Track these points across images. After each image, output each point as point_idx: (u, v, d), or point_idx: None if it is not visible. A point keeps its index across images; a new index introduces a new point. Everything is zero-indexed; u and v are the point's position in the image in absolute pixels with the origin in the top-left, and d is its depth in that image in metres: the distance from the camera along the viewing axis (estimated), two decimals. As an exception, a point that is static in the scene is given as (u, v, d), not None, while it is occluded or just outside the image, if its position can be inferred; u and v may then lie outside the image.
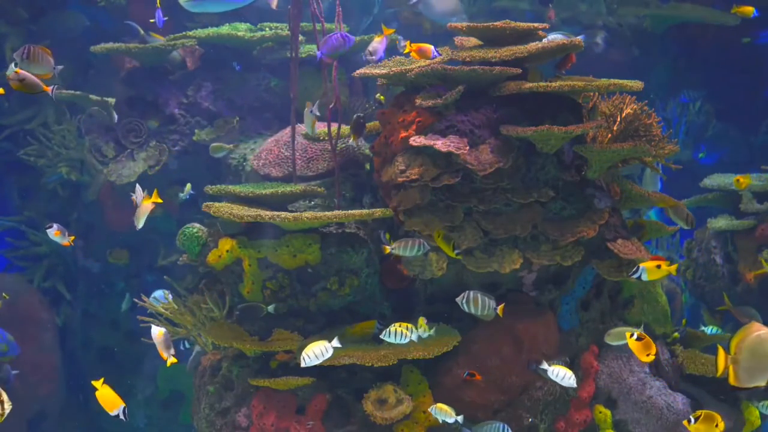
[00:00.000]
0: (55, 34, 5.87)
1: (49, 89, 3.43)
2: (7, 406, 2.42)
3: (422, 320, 3.68)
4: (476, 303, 3.62)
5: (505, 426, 3.61)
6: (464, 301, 3.63)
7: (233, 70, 5.52)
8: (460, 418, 3.58)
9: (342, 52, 3.95)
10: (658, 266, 3.64)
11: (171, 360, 3.68)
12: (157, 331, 3.71)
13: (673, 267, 3.65)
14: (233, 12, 6.10)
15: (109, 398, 3.51)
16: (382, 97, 4.56)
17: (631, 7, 6.53)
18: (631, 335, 3.49)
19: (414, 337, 3.60)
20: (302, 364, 3.48)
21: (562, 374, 3.59)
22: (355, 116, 4.14)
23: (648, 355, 3.49)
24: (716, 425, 3.37)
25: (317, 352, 3.44)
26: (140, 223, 4.05)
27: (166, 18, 4.98)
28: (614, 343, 3.85)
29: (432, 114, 3.89)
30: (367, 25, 6.31)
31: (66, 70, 5.94)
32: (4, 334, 4.66)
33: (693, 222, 4.39)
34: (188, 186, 5.17)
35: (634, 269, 3.67)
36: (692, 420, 3.39)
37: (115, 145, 5.50)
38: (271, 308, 4.03)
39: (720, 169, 5.84)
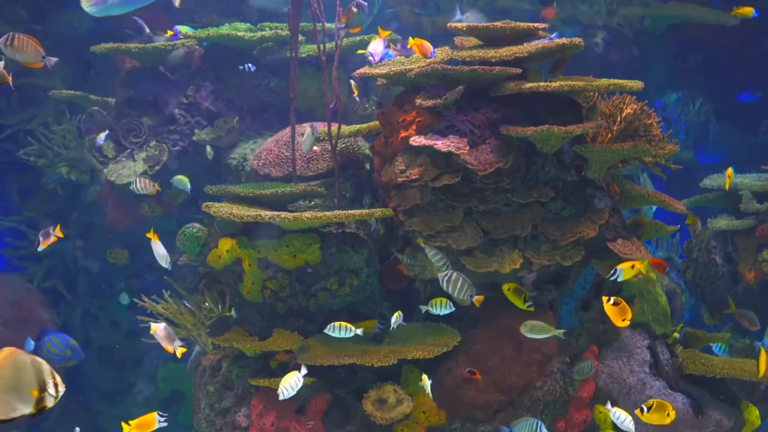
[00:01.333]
0: (61, 34, 5.87)
1: (10, 79, 3.37)
2: (61, 389, 2.41)
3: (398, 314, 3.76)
4: (455, 285, 3.59)
5: (539, 422, 3.62)
6: (445, 278, 3.60)
7: (233, 70, 5.52)
8: (426, 384, 3.61)
9: (362, 22, 3.93)
10: (633, 266, 3.63)
11: (180, 350, 3.66)
12: (154, 328, 3.70)
13: (644, 265, 3.63)
14: (233, 12, 6.11)
15: (142, 424, 3.49)
16: (374, 97, 4.58)
17: (631, 7, 6.53)
18: (608, 300, 3.49)
19: (359, 331, 3.66)
20: (280, 398, 3.53)
21: (623, 418, 3.55)
22: (352, 77, 4.20)
23: (624, 320, 3.48)
24: (668, 414, 3.46)
25: (292, 383, 3.52)
26: (168, 264, 4.08)
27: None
28: (529, 335, 3.77)
29: (432, 114, 3.89)
30: (367, 25, 6.31)
31: (66, 70, 5.97)
32: (67, 339, 4.66)
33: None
34: (182, 178, 5.14)
35: (612, 271, 3.65)
36: (645, 409, 3.47)
37: (115, 145, 5.50)
38: (233, 313, 4.06)
39: (720, 169, 5.83)
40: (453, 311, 3.72)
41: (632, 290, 4.33)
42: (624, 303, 3.48)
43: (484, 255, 3.83)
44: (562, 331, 3.70)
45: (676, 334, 4.37)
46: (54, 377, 2.40)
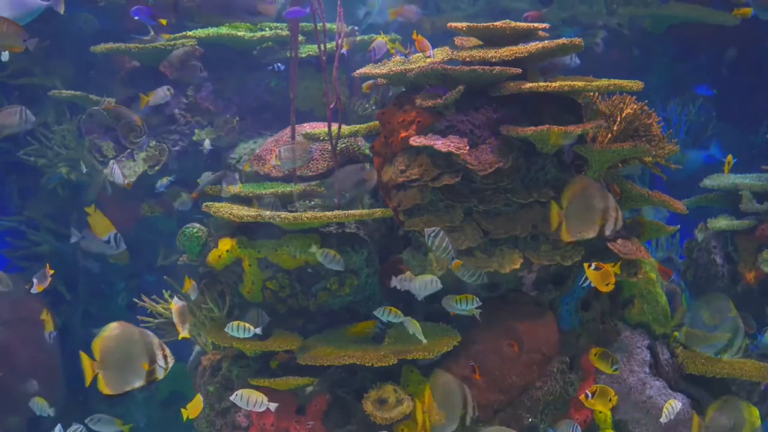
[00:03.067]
0: (66, 35, 5.86)
1: None
2: (170, 360, 2.40)
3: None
4: (440, 242, 3.52)
5: (575, 425, 3.67)
6: (432, 234, 3.53)
7: (233, 69, 5.52)
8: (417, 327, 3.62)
9: None
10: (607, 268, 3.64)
11: (184, 333, 3.65)
12: (177, 304, 3.68)
13: (617, 266, 3.62)
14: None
15: (195, 407, 3.54)
16: (374, 98, 4.58)
17: (631, 7, 6.53)
18: (589, 265, 3.46)
19: (258, 330, 3.70)
20: (231, 397, 3.59)
21: None
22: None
23: (607, 284, 3.47)
24: (609, 399, 3.55)
25: (251, 400, 3.56)
26: (195, 293, 4.07)
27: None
28: (449, 308, 3.69)
29: (432, 114, 3.89)
30: (366, 25, 6.31)
31: (67, 70, 5.97)
32: None
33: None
34: (163, 180, 5.13)
35: (584, 278, 3.63)
36: (589, 395, 3.54)
37: (115, 145, 5.50)
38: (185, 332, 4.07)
39: (720, 169, 5.84)
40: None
41: (632, 290, 4.33)
42: (607, 268, 3.47)
43: (484, 255, 3.83)
44: (477, 311, 3.65)
45: (676, 334, 4.36)
46: (163, 349, 2.39)
